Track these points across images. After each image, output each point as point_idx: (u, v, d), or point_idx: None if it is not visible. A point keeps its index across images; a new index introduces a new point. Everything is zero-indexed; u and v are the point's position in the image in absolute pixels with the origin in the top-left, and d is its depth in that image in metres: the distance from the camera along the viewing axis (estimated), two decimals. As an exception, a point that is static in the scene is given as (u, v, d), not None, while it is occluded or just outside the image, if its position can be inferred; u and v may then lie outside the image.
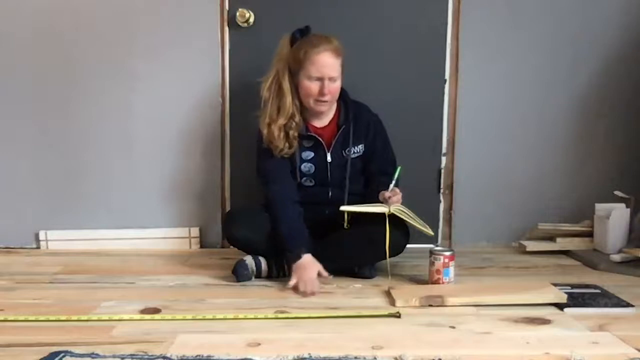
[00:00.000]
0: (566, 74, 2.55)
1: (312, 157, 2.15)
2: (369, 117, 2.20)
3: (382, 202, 2.03)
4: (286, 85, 2.07)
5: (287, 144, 2.08)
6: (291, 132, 2.07)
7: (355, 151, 2.17)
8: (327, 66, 2.02)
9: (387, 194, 2.03)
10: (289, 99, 2.06)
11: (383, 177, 2.11)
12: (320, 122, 2.17)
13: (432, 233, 2.07)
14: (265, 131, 2.07)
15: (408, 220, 2.01)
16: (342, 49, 2.06)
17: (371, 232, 1.99)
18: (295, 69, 2.05)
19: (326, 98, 2.05)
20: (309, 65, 2.02)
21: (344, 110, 2.15)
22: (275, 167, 2.11)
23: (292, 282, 1.91)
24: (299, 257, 1.93)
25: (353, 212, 2.02)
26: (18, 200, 2.52)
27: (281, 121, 2.06)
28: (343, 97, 2.17)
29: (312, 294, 1.86)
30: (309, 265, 1.93)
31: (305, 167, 2.15)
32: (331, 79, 2.04)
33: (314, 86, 2.04)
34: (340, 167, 2.16)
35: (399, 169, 2.10)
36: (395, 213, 1.97)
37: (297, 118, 2.08)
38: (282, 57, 2.08)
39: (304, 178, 2.17)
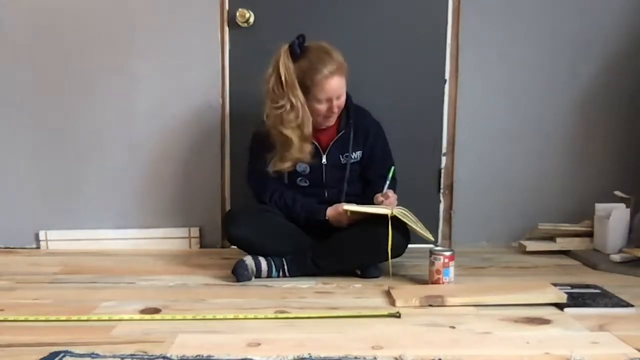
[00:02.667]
0: (566, 74, 2.55)
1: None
2: (370, 124, 2.21)
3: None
4: (302, 100, 2.01)
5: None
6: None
7: (353, 157, 2.17)
8: (335, 90, 2.02)
9: (380, 197, 2.05)
10: (309, 129, 2.05)
11: (380, 182, 2.12)
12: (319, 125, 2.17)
13: (432, 239, 2.08)
14: (284, 166, 2.08)
15: (410, 224, 2.01)
16: (344, 59, 2.04)
17: (372, 234, 2.00)
18: (302, 90, 2.01)
19: (335, 115, 2.08)
20: (317, 91, 2.01)
21: (345, 115, 2.16)
22: (266, 174, 2.13)
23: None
24: (325, 216, 2.10)
25: (356, 212, 2.02)
26: (18, 200, 2.53)
27: (298, 155, 2.07)
28: (346, 101, 2.17)
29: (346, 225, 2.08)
30: (334, 215, 2.09)
31: (300, 167, 2.16)
32: (339, 97, 2.05)
33: (322, 107, 2.05)
34: (335, 170, 2.17)
35: (392, 169, 2.11)
36: (398, 216, 1.97)
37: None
38: (289, 70, 1.99)
39: (299, 178, 2.18)
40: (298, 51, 2.02)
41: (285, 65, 2.00)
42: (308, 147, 2.07)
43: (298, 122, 2.01)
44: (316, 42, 2.06)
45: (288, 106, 1.99)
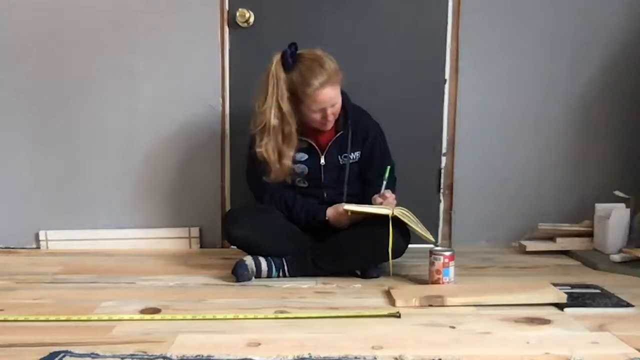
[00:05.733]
0: (566, 74, 2.55)
1: (306, 159, 2.15)
2: (369, 125, 2.20)
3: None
4: (289, 112, 2.02)
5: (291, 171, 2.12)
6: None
7: (352, 158, 2.17)
8: (328, 100, 2.01)
9: (378, 199, 2.04)
10: (294, 127, 2.04)
11: (379, 183, 2.11)
12: None
13: (433, 240, 2.08)
14: (277, 166, 2.06)
15: (410, 224, 2.01)
16: (337, 66, 2.01)
17: (372, 234, 1.99)
18: (295, 98, 2.01)
19: (330, 122, 2.07)
20: (310, 102, 2.00)
21: (343, 116, 2.14)
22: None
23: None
24: (325, 216, 2.10)
25: (356, 212, 2.02)
26: (18, 200, 2.52)
27: (289, 157, 2.06)
28: (343, 102, 2.17)
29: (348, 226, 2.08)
30: (334, 216, 2.09)
31: (299, 168, 2.15)
32: (333, 105, 2.04)
33: (317, 116, 2.04)
34: (334, 170, 2.17)
35: (388, 168, 2.10)
36: (399, 216, 1.96)
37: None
38: (279, 81, 1.99)
39: (298, 179, 2.18)
40: (290, 62, 2.00)
41: (277, 77, 1.99)
42: (286, 166, 2.07)
43: (278, 141, 2.03)
44: (310, 49, 2.04)
45: (272, 118, 2.00)
